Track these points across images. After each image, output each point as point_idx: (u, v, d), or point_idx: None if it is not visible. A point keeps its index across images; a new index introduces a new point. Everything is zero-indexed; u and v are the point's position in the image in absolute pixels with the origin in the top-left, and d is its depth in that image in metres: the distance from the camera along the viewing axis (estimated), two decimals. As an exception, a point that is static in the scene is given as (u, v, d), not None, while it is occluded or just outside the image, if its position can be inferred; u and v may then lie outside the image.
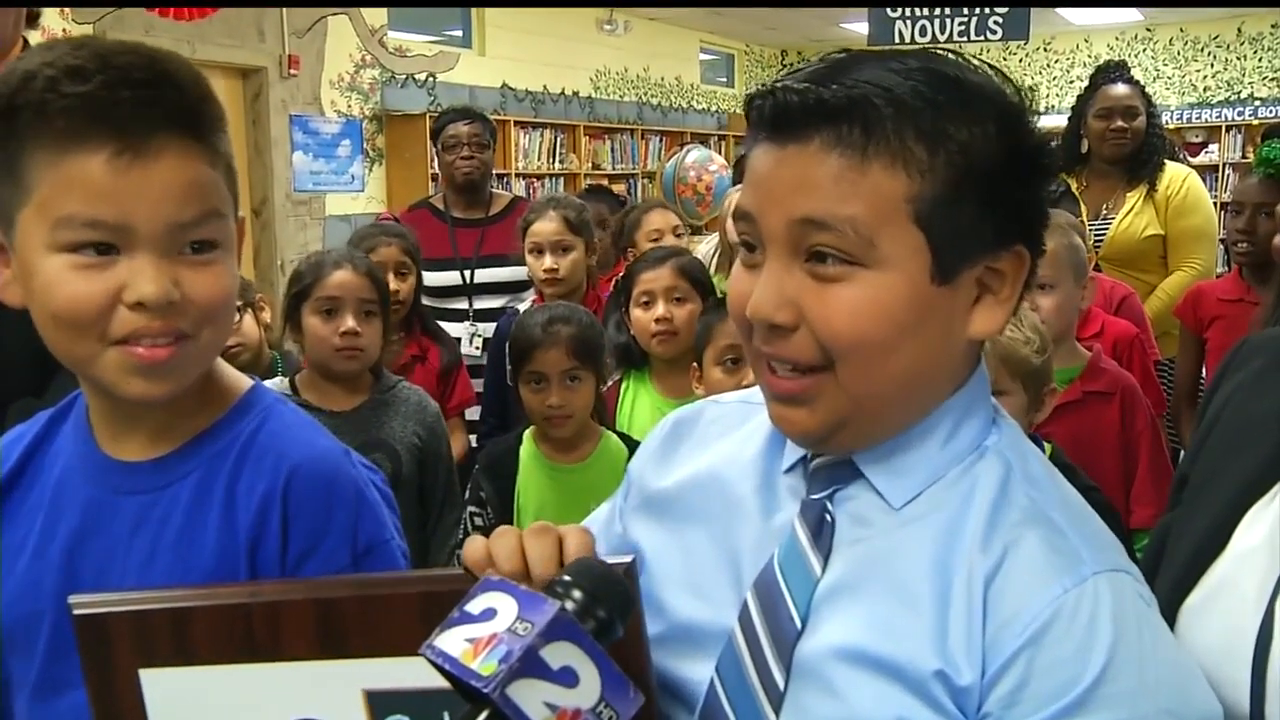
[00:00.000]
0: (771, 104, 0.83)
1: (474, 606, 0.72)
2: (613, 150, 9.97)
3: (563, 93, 9.55)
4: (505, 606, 0.71)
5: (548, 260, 3.05)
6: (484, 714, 0.68)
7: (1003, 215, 0.84)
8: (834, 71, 0.83)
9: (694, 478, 0.99)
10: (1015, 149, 0.84)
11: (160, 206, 0.91)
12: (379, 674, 0.84)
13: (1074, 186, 3.67)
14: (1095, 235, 3.53)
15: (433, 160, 7.20)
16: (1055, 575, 0.80)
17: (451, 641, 0.70)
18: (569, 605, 0.73)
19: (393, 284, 2.79)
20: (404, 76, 7.98)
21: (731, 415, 1.02)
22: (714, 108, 11.65)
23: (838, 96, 0.80)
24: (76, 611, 0.87)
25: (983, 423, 0.90)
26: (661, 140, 10.46)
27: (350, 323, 2.29)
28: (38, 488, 1.05)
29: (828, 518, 0.89)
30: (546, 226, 3.07)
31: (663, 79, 10.85)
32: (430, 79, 8.19)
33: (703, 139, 10.06)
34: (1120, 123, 3.57)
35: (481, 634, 0.70)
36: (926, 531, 0.85)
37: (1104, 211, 3.61)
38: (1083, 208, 3.60)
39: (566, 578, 0.75)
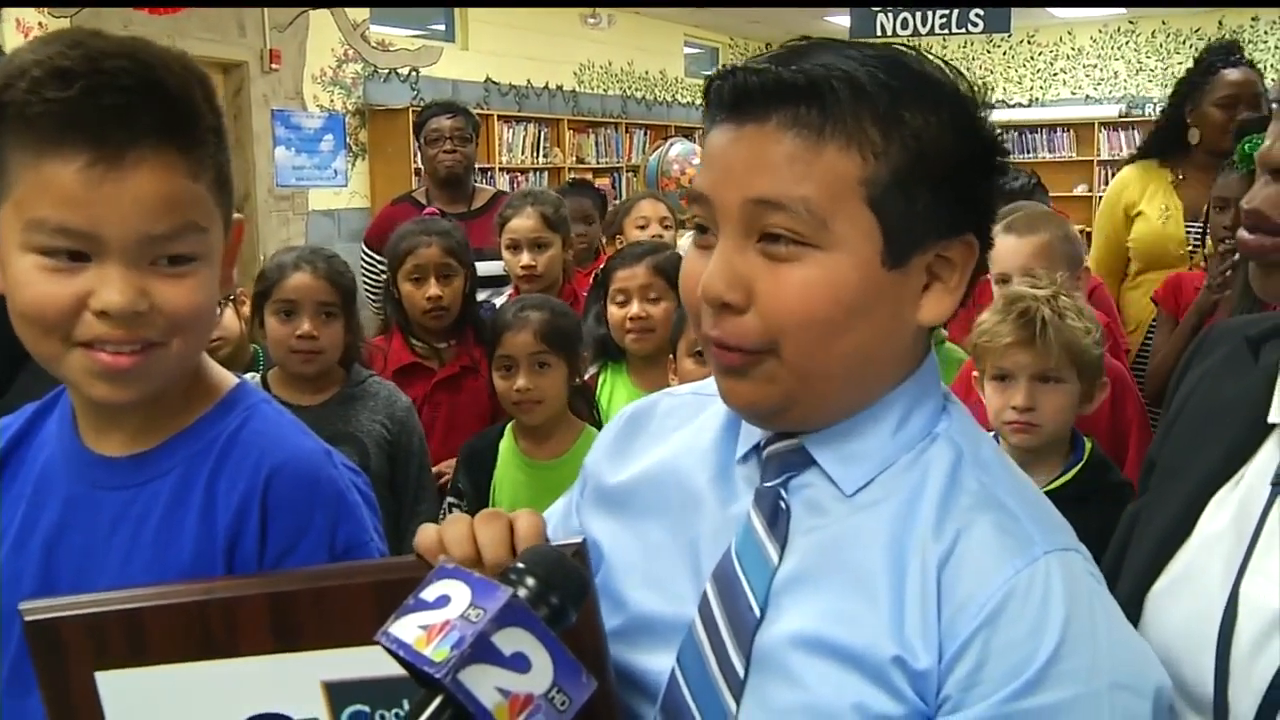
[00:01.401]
0: (731, 84, 0.84)
1: (428, 594, 0.72)
2: (597, 144, 9.97)
3: (546, 87, 9.54)
4: (459, 593, 0.71)
5: (525, 257, 3.04)
6: (437, 700, 0.68)
7: (954, 204, 0.85)
8: (794, 56, 0.84)
9: (650, 470, 0.98)
10: (969, 140, 0.86)
11: (131, 218, 0.90)
12: (337, 665, 0.84)
13: (1169, 179, 3.38)
14: (1195, 238, 3.18)
15: (415, 155, 7.16)
16: (1007, 557, 0.81)
17: (405, 628, 0.70)
18: (522, 592, 0.73)
19: (434, 289, 2.70)
20: (386, 71, 7.96)
21: (686, 407, 1.02)
22: (698, 101, 11.62)
23: (796, 77, 0.81)
24: (27, 618, 0.86)
25: (933, 409, 0.90)
26: (645, 134, 10.46)
27: (305, 326, 2.29)
28: (20, 480, 1.04)
29: (782, 505, 0.88)
30: (524, 223, 3.06)
31: (647, 73, 10.85)
32: (413, 73, 8.17)
33: (687, 133, 9.99)
34: (1248, 113, 3.11)
35: (435, 620, 0.70)
36: (880, 518, 0.85)
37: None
38: (1179, 202, 3.30)
39: (520, 565, 0.76)
